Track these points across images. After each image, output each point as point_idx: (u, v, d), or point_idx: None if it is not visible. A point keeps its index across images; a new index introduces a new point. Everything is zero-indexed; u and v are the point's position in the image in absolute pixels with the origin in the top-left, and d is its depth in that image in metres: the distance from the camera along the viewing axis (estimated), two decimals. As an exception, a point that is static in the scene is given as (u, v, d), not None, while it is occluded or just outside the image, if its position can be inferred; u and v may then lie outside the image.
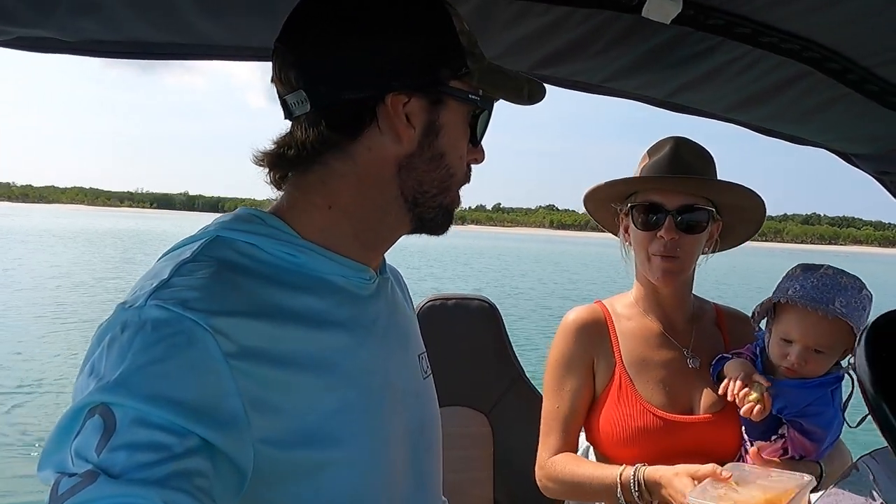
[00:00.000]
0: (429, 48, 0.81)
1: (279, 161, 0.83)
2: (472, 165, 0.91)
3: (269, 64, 0.85)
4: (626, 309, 1.54)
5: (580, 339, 1.50)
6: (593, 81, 1.41)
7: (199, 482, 0.62)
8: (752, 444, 1.37)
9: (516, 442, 1.86)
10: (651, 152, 1.50)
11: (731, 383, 1.34)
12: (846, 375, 1.33)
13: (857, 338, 0.85)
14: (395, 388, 0.84)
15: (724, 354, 1.46)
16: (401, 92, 0.79)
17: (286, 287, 0.77)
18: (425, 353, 0.99)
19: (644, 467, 1.32)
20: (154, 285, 0.70)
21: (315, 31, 0.80)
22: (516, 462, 1.85)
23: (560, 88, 1.43)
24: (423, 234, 0.89)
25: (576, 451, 1.49)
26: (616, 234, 1.57)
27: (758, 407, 1.29)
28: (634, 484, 1.31)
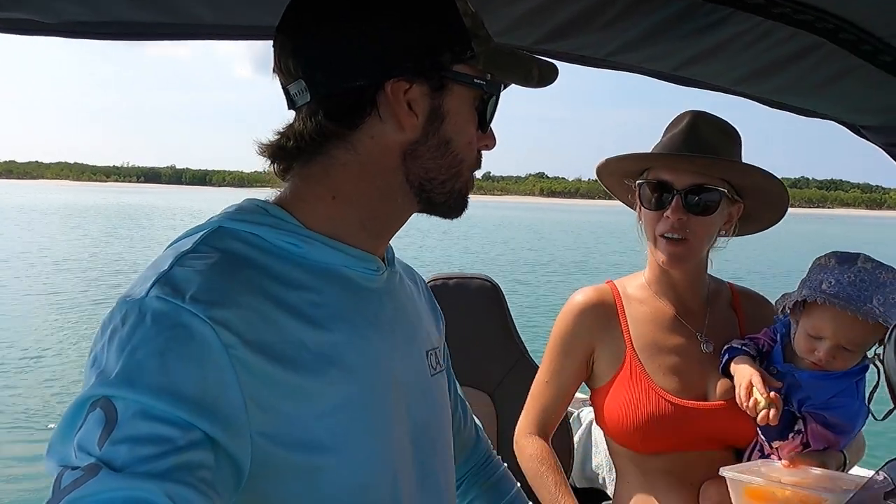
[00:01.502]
0: (429, 32, 0.78)
1: (280, 153, 0.81)
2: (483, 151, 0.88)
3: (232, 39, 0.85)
4: (638, 291, 1.50)
5: (581, 323, 1.47)
6: (599, 55, 1.38)
7: (203, 474, 0.62)
8: (769, 445, 1.33)
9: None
10: (669, 127, 1.45)
11: (739, 392, 1.29)
12: (871, 365, 1.29)
13: (888, 334, 0.83)
14: (398, 382, 0.83)
15: (734, 344, 1.40)
16: (401, 79, 0.77)
17: (289, 278, 0.76)
18: (439, 350, 0.97)
19: None
20: (154, 277, 0.69)
21: (312, 18, 0.78)
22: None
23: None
24: (443, 218, 0.88)
25: (554, 426, 1.53)
26: (633, 209, 1.51)
27: (772, 412, 1.24)
28: None
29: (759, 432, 1.35)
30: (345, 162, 0.80)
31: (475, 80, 0.81)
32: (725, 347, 1.41)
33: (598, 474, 2.65)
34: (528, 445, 1.47)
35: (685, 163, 1.38)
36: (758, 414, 1.25)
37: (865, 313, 1.21)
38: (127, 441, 0.59)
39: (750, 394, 1.27)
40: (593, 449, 2.71)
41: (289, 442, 0.71)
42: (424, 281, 1.06)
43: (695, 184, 1.36)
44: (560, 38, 1.28)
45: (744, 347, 1.38)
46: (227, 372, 0.66)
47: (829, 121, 1.58)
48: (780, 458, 1.31)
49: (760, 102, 1.54)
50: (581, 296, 1.51)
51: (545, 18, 1.19)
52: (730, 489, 1.14)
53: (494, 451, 1.23)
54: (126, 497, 0.57)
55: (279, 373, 0.70)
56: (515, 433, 1.51)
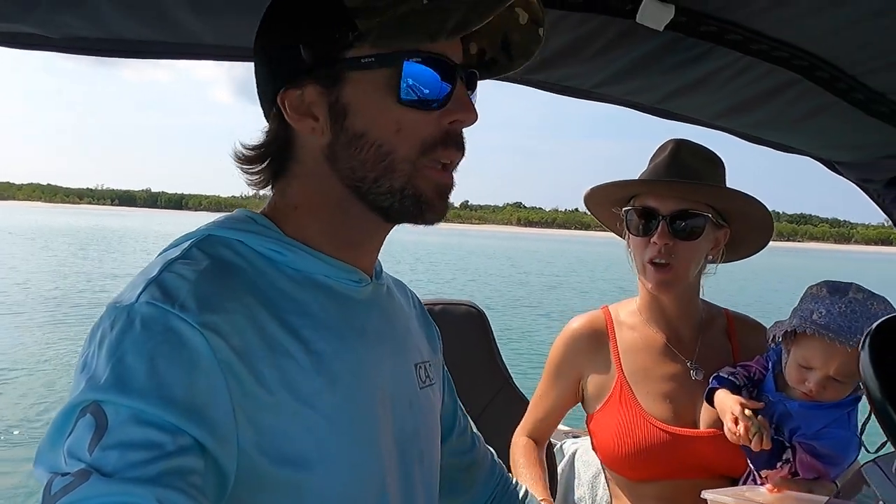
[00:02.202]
0: (301, 29, 0.76)
1: (249, 163, 0.84)
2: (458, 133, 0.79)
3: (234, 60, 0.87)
4: (630, 317, 1.52)
5: (572, 349, 1.53)
6: (584, 87, 1.41)
7: (193, 480, 0.62)
8: (758, 473, 1.33)
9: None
10: (654, 155, 1.50)
11: (727, 424, 1.28)
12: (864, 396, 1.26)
13: (862, 340, 0.83)
14: (385, 393, 0.83)
15: (721, 374, 1.39)
16: (289, 87, 0.77)
17: (276, 286, 0.76)
18: (430, 364, 0.97)
19: None
20: (144, 283, 0.69)
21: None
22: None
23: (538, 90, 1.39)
24: (416, 225, 0.82)
25: (545, 436, 1.62)
26: (622, 237, 1.54)
27: (764, 437, 1.23)
28: None
29: (749, 460, 1.35)
30: (295, 173, 0.82)
31: (363, 61, 0.74)
32: (713, 376, 1.40)
33: (581, 506, 2.64)
34: (519, 441, 1.59)
35: (669, 188, 1.41)
36: (750, 440, 1.24)
37: (856, 344, 1.17)
38: (117, 446, 0.59)
39: (737, 422, 1.26)
40: (576, 481, 2.70)
41: (274, 451, 0.70)
42: (417, 297, 1.06)
43: (679, 209, 1.39)
44: (547, 68, 1.31)
45: (731, 377, 1.37)
46: (216, 378, 0.66)
47: (804, 156, 1.64)
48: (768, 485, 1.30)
49: (740, 137, 1.57)
50: (576, 322, 1.55)
51: None
52: None
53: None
54: (117, 503, 0.57)
55: (265, 381, 0.70)
56: (514, 434, 1.62)
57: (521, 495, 1.16)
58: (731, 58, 1.19)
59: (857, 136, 1.44)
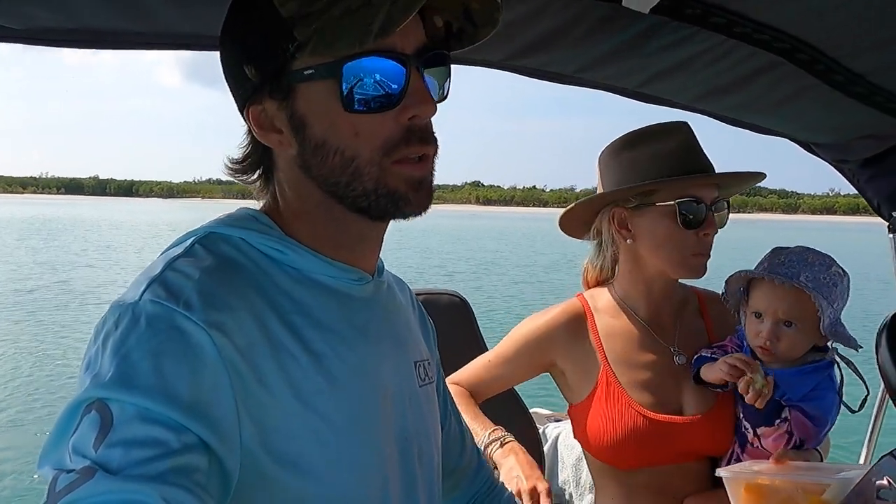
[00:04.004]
0: (246, 45, 0.76)
1: (241, 175, 0.85)
2: (421, 122, 0.76)
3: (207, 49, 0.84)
4: (609, 305, 1.50)
5: (546, 338, 1.48)
6: (566, 72, 1.40)
7: (197, 477, 0.61)
8: (753, 433, 1.36)
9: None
10: (653, 138, 1.42)
11: (726, 369, 1.32)
12: (835, 362, 1.37)
13: (879, 329, 0.85)
14: (386, 392, 0.82)
15: (703, 353, 1.43)
16: (252, 103, 0.77)
17: (279, 284, 0.76)
18: (427, 362, 0.96)
19: (500, 446, 1.36)
20: (147, 281, 0.69)
21: None
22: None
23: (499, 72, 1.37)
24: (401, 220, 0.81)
25: (481, 399, 1.52)
26: (578, 236, 1.54)
27: (764, 391, 1.28)
28: (489, 449, 1.36)
29: (743, 419, 1.39)
30: (278, 179, 0.82)
31: (305, 73, 0.72)
32: (695, 358, 1.44)
33: (565, 490, 2.67)
34: (455, 389, 1.48)
35: (721, 179, 1.41)
36: (751, 392, 1.28)
37: (794, 284, 1.31)
38: (122, 444, 0.59)
39: (738, 369, 1.30)
40: (559, 465, 2.73)
41: (276, 450, 0.70)
42: (414, 294, 1.05)
43: (717, 198, 1.40)
44: (529, 54, 1.29)
45: (713, 356, 1.41)
46: (221, 376, 0.66)
47: (782, 138, 1.66)
48: (762, 446, 1.35)
49: (719, 119, 1.59)
50: (554, 310, 1.51)
51: (515, 35, 1.20)
52: (729, 490, 1.14)
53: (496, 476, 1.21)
54: (121, 500, 0.56)
55: (268, 379, 0.70)
56: (448, 378, 1.46)
57: (504, 497, 1.16)
58: (713, 41, 1.19)
59: (835, 118, 1.46)
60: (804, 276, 1.33)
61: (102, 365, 0.64)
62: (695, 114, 1.56)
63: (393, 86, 0.72)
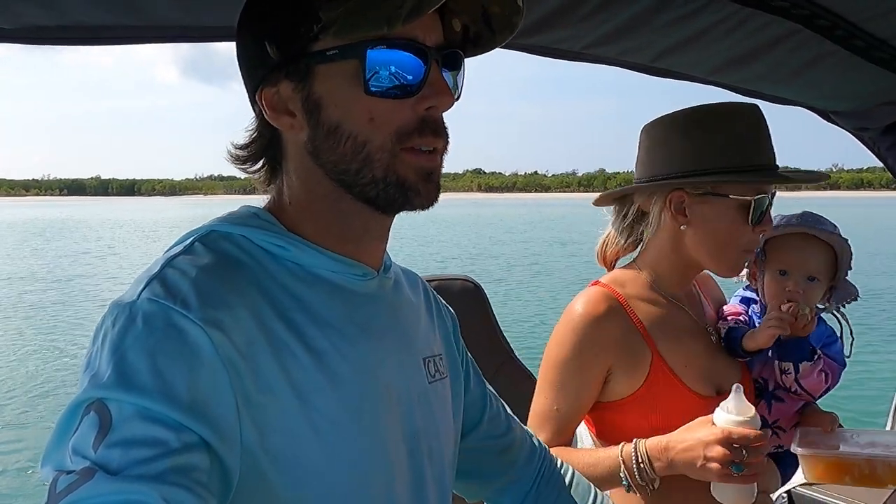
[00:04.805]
0: (268, 24, 0.75)
1: (243, 165, 0.83)
2: (437, 114, 0.76)
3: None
4: (642, 291, 1.39)
5: (598, 338, 1.31)
6: (575, 48, 1.36)
7: (198, 477, 0.61)
8: (795, 374, 1.38)
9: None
10: (724, 123, 1.31)
11: (782, 326, 1.34)
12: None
13: None
14: (391, 389, 0.81)
15: (731, 325, 1.42)
16: (265, 85, 0.76)
17: (280, 281, 0.75)
18: (439, 357, 0.94)
19: (643, 440, 1.24)
20: (146, 279, 0.68)
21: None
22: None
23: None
24: (412, 212, 0.79)
25: (567, 443, 1.36)
26: (608, 204, 1.47)
27: (811, 316, 1.34)
28: (636, 457, 1.22)
29: (781, 362, 1.40)
30: (285, 170, 0.81)
31: (328, 54, 0.72)
32: (727, 330, 1.43)
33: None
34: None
35: (815, 179, 1.42)
36: (801, 321, 1.33)
37: (818, 233, 1.38)
38: (122, 444, 0.59)
39: (786, 318, 1.34)
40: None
41: (277, 449, 0.69)
42: (427, 285, 1.02)
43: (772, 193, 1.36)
44: (537, 32, 1.26)
45: (738, 324, 1.44)
46: (219, 374, 0.65)
47: (798, 107, 1.62)
48: (802, 389, 1.39)
49: (735, 91, 1.55)
50: (584, 306, 1.33)
51: (528, 10, 1.16)
52: (804, 466, 1.11)
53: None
54: (121, 501, 0.56)
55: (268, 378, 0.69)
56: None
57: (568, 478, 1.12)
58: (728, 10, 1.16)
59: (854, 85, 1.43)
60: (820, 228, 1.39)
61: (101, 365, 0.63)
62: (709, 86, 1.53)
63: (413, 74, 0.73)
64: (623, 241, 1.48)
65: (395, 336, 0.84)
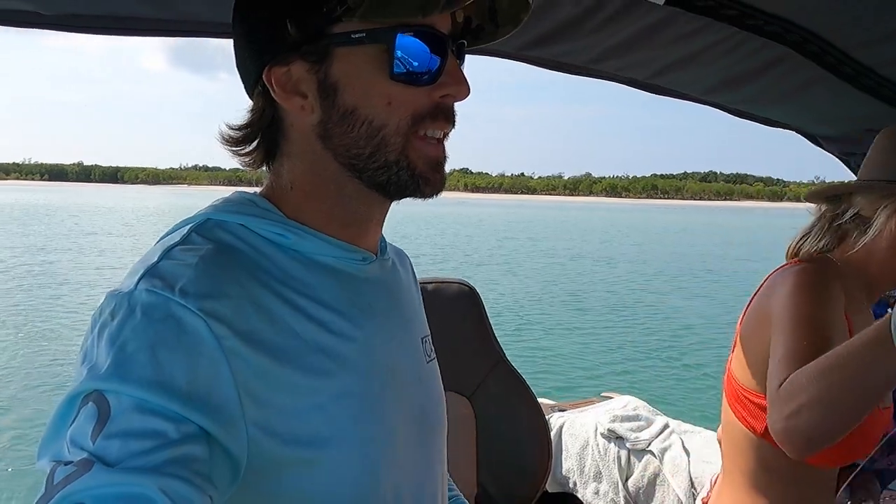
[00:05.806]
0: (284, 4, 0.73)
1: (236, 142, 0.80)
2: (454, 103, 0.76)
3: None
4: (846, 283, 1.28)
5: (836, 299, 1.20)
6: (578, 63, 1.41)
7: (197, 468, 0.61)
8: None
9: (499, 424, 1.87)
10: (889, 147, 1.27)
11: None
12: None
13: None
14: (396, 371, 0.82)
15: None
16: (275, 64, 0.74)
17: (280, 268, 0.75)
18: (428, 337, 0.95)
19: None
20: (143, 270, 0.67)
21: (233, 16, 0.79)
22: (499, 444, 1.87)
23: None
24: (415, 199, 0.79)
25: None
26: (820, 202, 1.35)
27: None
28: None
29: None
30: (286, 152, 0.79)
31: (353, 37, 0.70)
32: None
33: (569, 478, 2.72)
34: (788, 384, 1.06)
35: None
36: None
37: None
38: (120, 435, 0.58)
39: None
40: (563, 454, 2.77)
41: (286, 434, 0.69)
42: (412, 264, 1.02)
43: None
44: (543, 45, 1.30)
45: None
46: (220, 364, 0.65)
47: (788, 130, 1.68)
48: None
49: (728, 112, 1.61)
50: (810, 269, 1.25)
51: (530, 26, 1.21)
52: None
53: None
54: (119, 493, 0.56)
55: (273, 364, 0.69)
56: (769, 422, 1.09)
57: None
58: (726, 33, 1.21)
59: (843, 110, 1.48)
60: None
61: (99, 356, 0.63)
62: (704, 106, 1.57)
63: (435, 61, 0.73)
64: (828, 241, 1.34)
65: (396, 318, 0.85)
